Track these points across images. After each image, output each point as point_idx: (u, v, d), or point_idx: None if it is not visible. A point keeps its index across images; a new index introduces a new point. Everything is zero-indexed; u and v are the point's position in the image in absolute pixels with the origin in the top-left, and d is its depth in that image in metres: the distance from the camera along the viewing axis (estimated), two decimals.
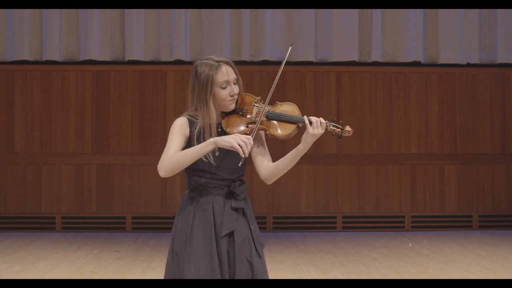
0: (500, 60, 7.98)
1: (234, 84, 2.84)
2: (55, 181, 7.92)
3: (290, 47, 2.91)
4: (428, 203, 8.12)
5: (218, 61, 2.82)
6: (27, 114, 7.94)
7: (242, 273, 2.80)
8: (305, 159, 8.55)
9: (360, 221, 8.05)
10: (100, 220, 7.92)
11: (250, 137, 2.66)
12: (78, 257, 6.40)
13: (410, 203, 8.11)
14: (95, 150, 7.96)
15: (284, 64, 2.89)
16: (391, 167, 8.12)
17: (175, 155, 2.70)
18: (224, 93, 2.80)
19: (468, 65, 8.06)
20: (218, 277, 2.77)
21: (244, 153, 2.62)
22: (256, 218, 2.99)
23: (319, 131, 2.74)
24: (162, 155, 2.74)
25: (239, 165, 2.71)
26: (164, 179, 7.89)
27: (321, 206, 8.05)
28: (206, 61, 2.83)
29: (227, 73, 2.80)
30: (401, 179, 8.12)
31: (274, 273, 5.66)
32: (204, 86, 2.78)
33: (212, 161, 2.76)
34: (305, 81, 8.10)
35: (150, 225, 7.93)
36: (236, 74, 2.84)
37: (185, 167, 2.71)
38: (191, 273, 2.76)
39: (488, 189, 8.18)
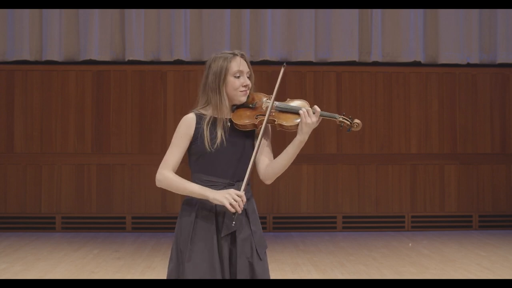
0: (500, 60, 7.98)
1: (248, 77, 2.88)
2: (55, 181, 7.92)
3: (283, 68, 2.90)
4: (428, 203, 8.12)
5: (232, 53, 2.87)
6: (27, 114, 7.94)
7: (243, 273, 2.79)
8: (305, 159, 8.44)
9: (360, 221, 8.05)
10: (100, 220, 7.92)
11: (242, 193, 2.71)
12: (78, 257, 6.40)
13: (410, 203, 8.10)
14: (95, 150, 7.96)
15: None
16: (391, 167, 8.12)
17: (173, 182, 2.79)
18: (237, 82, 2.84)
19: (468, 65, 8.05)
20: (218, 276, 2.77)
21: (237, 211, 2.69)
22: None
23: (313, 119, 2.75)
24: (163, 163, 2.81)
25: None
26: None
27: (321, 206, 8.05)
28: (220, 55, 2.88)
29: (240, 63, 2.85)
30: (401, 179, 8.12)
31: (274, 273, 5.65)
32: (218, 75, 2.83)
33: (208, 145, 2.79)
34: (305, 81, 8.10)
35: (150, 225, 7.93)
36: (249, 68, 2.89)
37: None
38: (191, 272, 2.76)
39: (488, 189, 8.17)
